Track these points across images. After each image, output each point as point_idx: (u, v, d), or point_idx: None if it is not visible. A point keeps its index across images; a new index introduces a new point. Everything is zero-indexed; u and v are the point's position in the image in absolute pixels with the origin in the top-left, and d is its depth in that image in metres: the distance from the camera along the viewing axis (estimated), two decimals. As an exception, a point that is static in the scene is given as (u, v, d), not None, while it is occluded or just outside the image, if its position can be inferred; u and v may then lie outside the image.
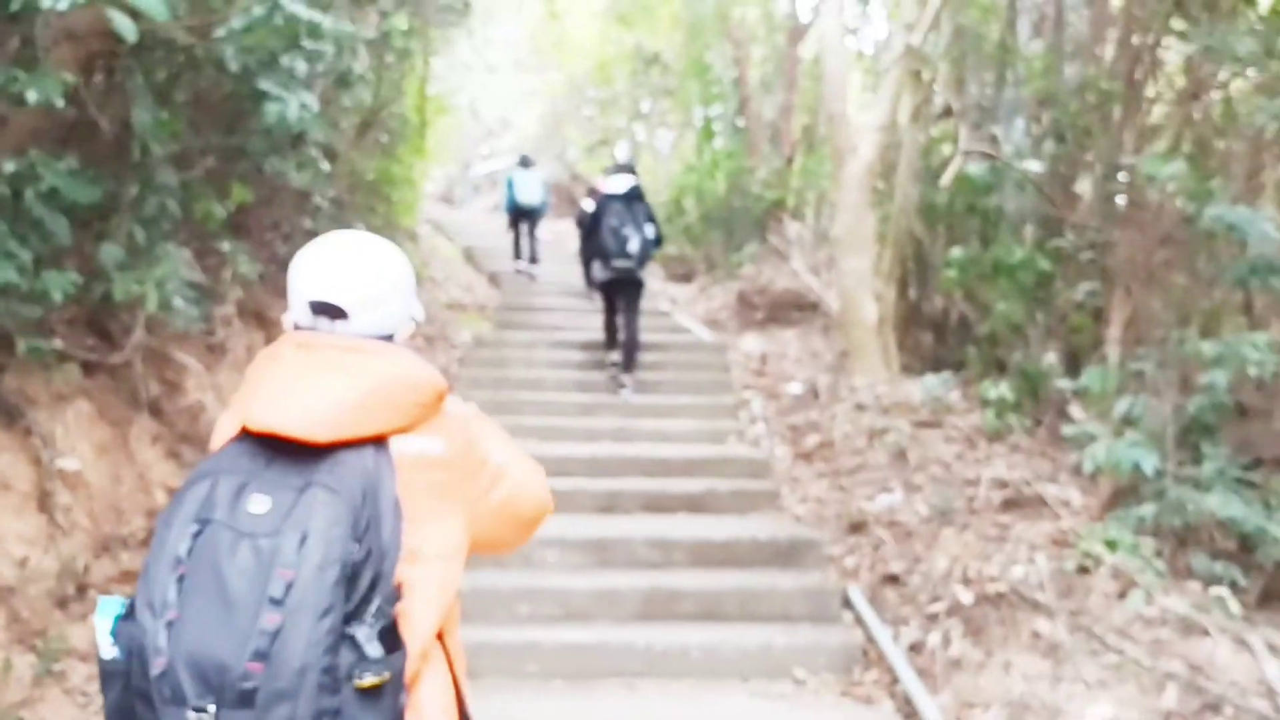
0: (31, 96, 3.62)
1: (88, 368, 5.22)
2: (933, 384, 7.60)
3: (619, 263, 9.05)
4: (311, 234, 8.47)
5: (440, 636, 1.90)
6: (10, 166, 4.02)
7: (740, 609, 5.51)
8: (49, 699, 4.03)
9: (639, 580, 5.65)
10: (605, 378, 9.57)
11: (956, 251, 7.76)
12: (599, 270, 9.45)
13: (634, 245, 9.00)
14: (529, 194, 14.70)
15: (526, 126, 25.76)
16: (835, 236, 9.21)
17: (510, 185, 14.90)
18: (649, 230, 9.15)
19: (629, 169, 9.84)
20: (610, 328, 9.67)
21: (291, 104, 5.50)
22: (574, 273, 13.94)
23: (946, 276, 8.18)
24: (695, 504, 6.83)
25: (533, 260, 14.73)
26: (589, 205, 11.05)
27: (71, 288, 4.42)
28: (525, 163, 15.18)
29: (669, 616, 5.48)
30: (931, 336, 9.22)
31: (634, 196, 9.28)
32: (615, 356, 9.53)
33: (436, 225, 18.12)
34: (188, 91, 5.89)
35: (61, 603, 4.40)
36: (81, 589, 4.54)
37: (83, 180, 4.45)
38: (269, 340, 7.58)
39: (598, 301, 10.25)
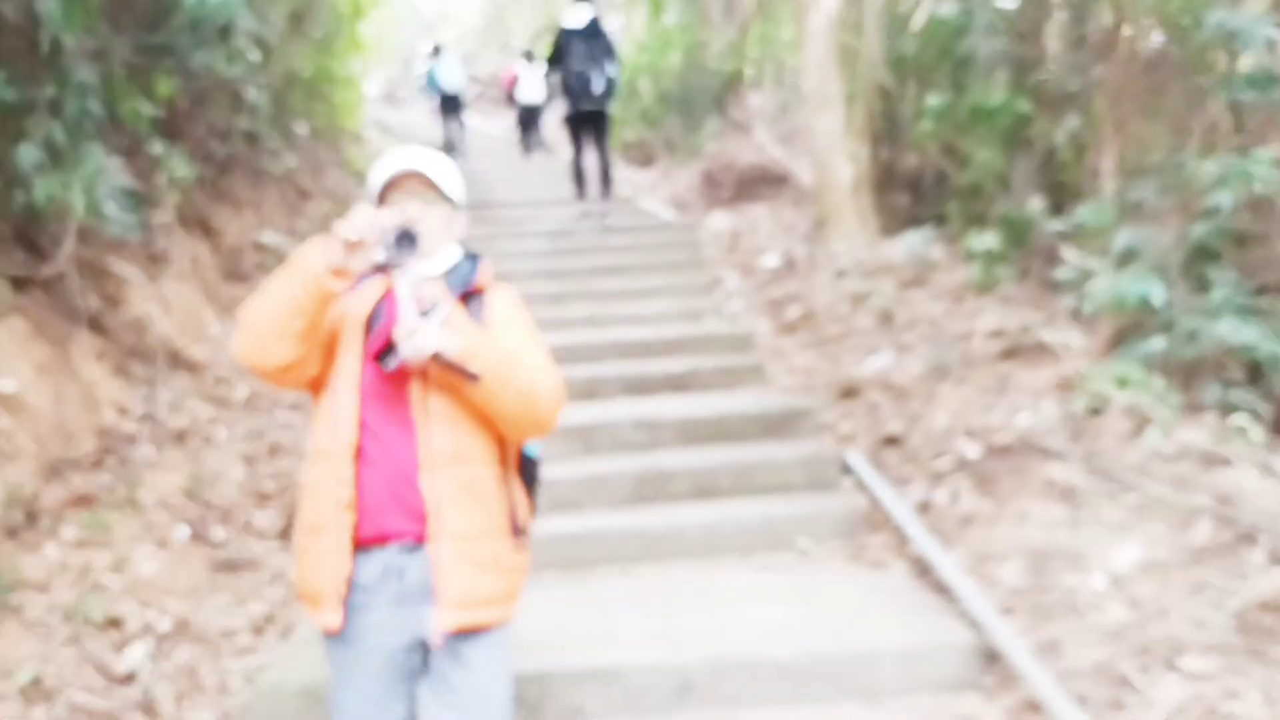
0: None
1: (18, 284, 4.85)
2: (914, 242, 7.30)
3: (584, 105, 9.65)
4: (249, 135, 8.02)
5: None
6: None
7: (735, 484, 5.27)
8: (6, 633, 3.73)
9: (627, 463, 5.39)
10: (585, 227, 10.10)
11: (932, 100, 7.37)
12: (565, 108, 9.99)
13: (598, 86, 9.53)
14: (451, 79, 15.09)
15: (467, 19, 24.88)
16: (803, 97, 8.80)
17: (432, 76, 15.35)
18: (610, 68, 9.59)
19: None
20: (579, 169, 10.32)
21: (211, -15, 5.06)
22: (529, 165, 13.54)
23: (921, 129, 7.81)
24: (678, 383, 6.56)
25: (455, 149, 14.98)
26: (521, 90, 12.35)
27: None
28: (437, 51, 15.65)
29: (661, 498, 5.24)
30: (908, 195, 8.87)
31: (594, 31, 9.56)
32: (585, 207, 10.36)
33: (382, 127, 17.56)
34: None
35: (11, 532, 4.08)
36: (31, 517, 4.22)
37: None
38: (215, 249, 7.18)
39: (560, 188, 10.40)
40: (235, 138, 7.59)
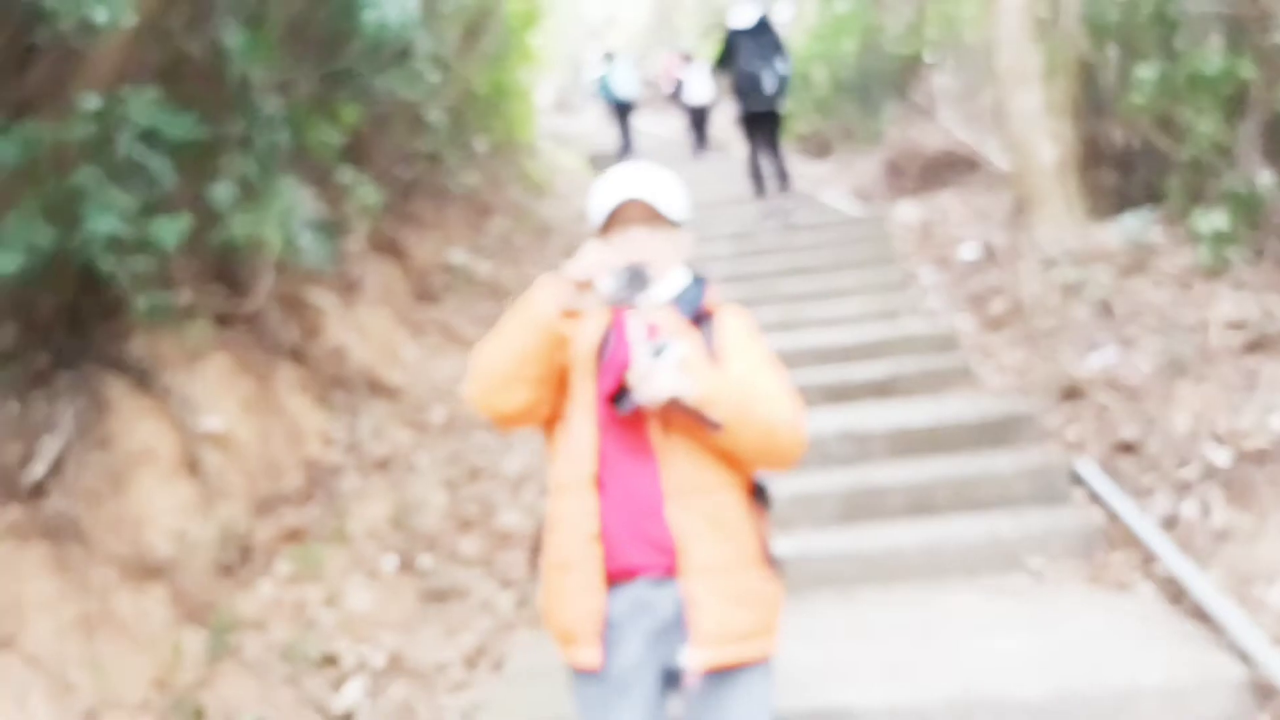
0: (100, 17, 3.18)
1: (221, 320, 4.91)
2: (1130, 224, 6.75)
3: (756, 104, 9.55)
4: (430, 156, 8.07)
5: None
6: (94, 102, 3.61)
7: (954, 498, 4.92)
8: (226, 675, 3.75)
9: (836, 479, 5.11)
10: (767, 227, 9.80)
11: (1144, 70, 6.80)
12: (737, 109, 9.89)
13: (769, 84, 9.42)
14: (625, 86, 15.37)
15: (634, 22, 24.94)
16: (995, 75, 8.31)
17: (604, 82, 15.60)
18: (781, 65, 9.48)
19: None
20: (755, 168, 10.18)
21: (389, 6, 5.03)
22: (701, 166, 13.39)
23: (1130, 101, 7.23)
24: (881, 389, 6.23)
25: (628, 151, 15.48)
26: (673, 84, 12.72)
27: (185, 233, 4.04)
28: (610, 57, 15.88)
29: (875, 515, 4.94)
30: (1116, 174, 8.26)
31: (762, 29, 9.46)
32: (765, 206, 10.15)
33: (556, 136, 17.69)
34: (280, 11, 5.45)
35: (227, 571, 4.11)
36: (245, 553, 4.25)
37: (181, 118, 4.05)
38: (404, 272, 7.23)
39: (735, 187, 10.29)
40: (418, 159, 7.64)
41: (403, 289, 6.99)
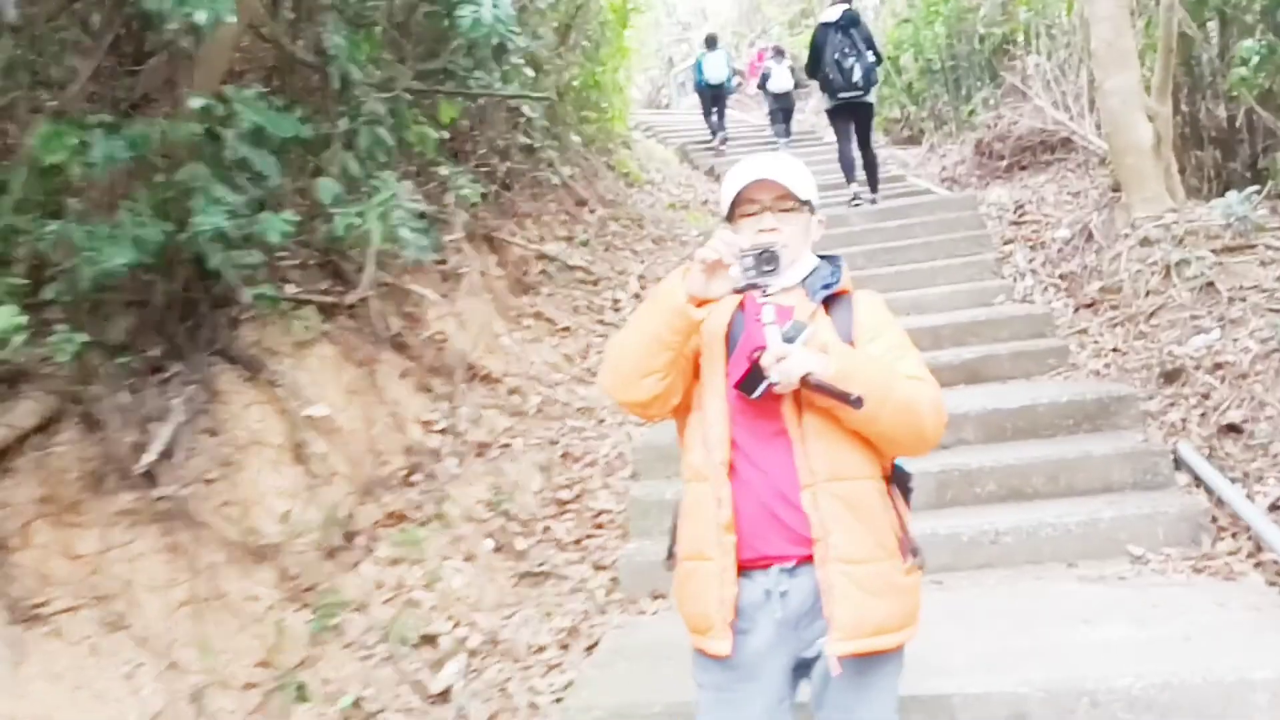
0: (201, 18, 3.28)
1: (325, 311, 5.05)
2: (1233, 203, 6.55)
3: (846, 94, 9.72)
4: (527, 149, 8.18)
5: None
6: (201, 101, 3.74)
7: (1049, 484, 4.85)
8: (329, 656, 3.86)
9: (927, 463, 5.04)
10: (858, 213, 9.94)
11: (1247, 46, 6.61)
12: (826, 101, 10.13)
13: (858, 74, 9.61)
14: (715, 71, 15.61)
15: (723, 14, 24.90)
16: (1091, 54, 8.12)
17: (698, 67, 15.87)
18: (869, 57, 9.70)
19: None
20: (846, 158, 10.21)
21: (485, 6, 5.13)
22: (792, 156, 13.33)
23: (1233, 78, 7.03)
24: (974, 373, 6.16)
25: (720, 130, 15.90)
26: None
27: (290, 229, 4.16)
28: (711, 43, 16.27)
29: (967, 500, 4.90)
30: (1216, 152, 8.05)
31: (850, 23, 9.66)
32: (856, 189, 10.19)
33: (648, 129, 17.81)
34: (381, 12, 5.59)
35: (330, 554, 4.23)
36: (348, 537, 4.37)
37: (286, 116, 4.17)
38: (502, 262, 7.34)
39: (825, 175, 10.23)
40: (514, 152, 7.76)
41: (501, 279, 7.10)
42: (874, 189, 10.27)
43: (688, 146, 16.44)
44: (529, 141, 7.91)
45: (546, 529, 5.11)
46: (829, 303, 2.38)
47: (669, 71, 24.93)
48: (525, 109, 7.58)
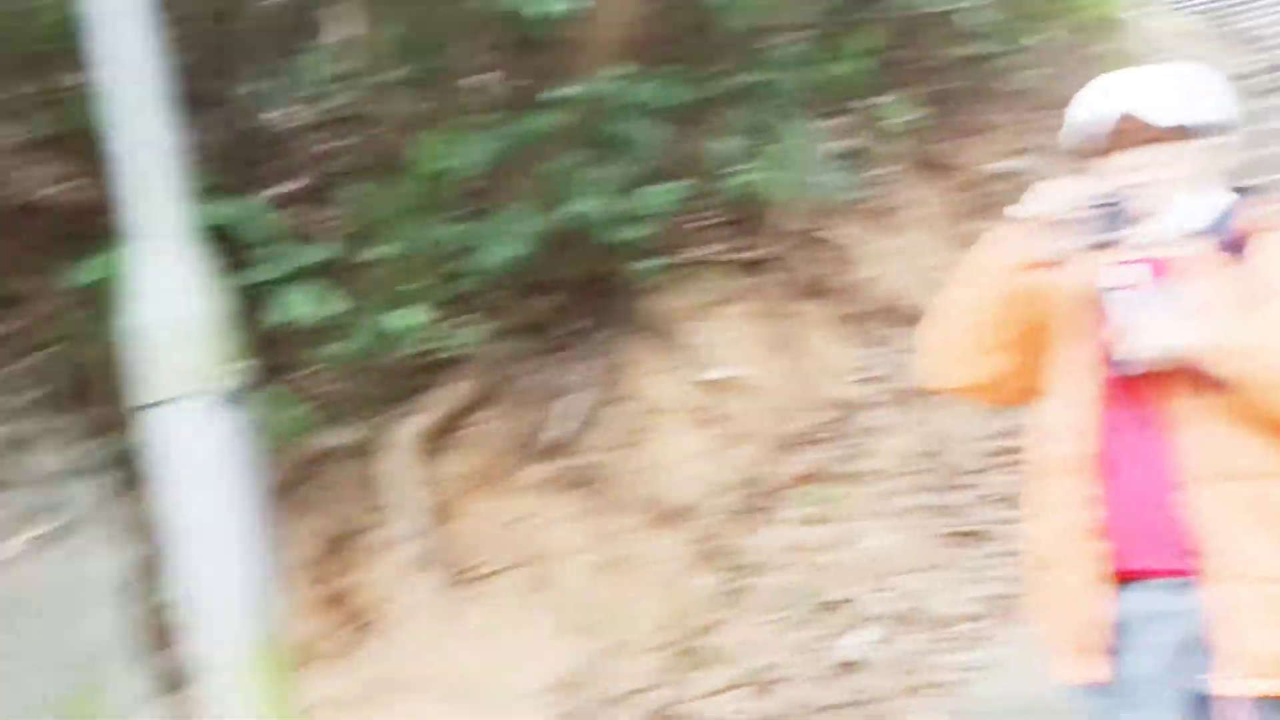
0: (557, 6, 3.39)
1: (735, 269, 5.07)
2: None
3: None
4: (972, 60, 7.59)
5: None
6: (575, 90, 3.87)
7: None
8: (738, 618, 3.93)
9: None
10: None
11: None
12: None
13: None
14: None
15: None
16: None
17: None
18: None
19: None
20: None
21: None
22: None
23: None
24: None
25: None
26: None
27: (679, 197, 4.21)
28: None
29: None
30: None
31: None
32: None
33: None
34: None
35: (740, 516, 4.28)
36: (760, 498, 4.40)
37: (669, 86, 4.22)
38: (944, 190, 6.93)
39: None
40: (954, 67, 7.24)
41: (940, 208, 6.72)
42: None
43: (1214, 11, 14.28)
44: (971, 51, 7.32)
45: (982, 484, 4.79)
46: (1232, 249, 1.86)
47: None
48: (968, 18, 7.01)
